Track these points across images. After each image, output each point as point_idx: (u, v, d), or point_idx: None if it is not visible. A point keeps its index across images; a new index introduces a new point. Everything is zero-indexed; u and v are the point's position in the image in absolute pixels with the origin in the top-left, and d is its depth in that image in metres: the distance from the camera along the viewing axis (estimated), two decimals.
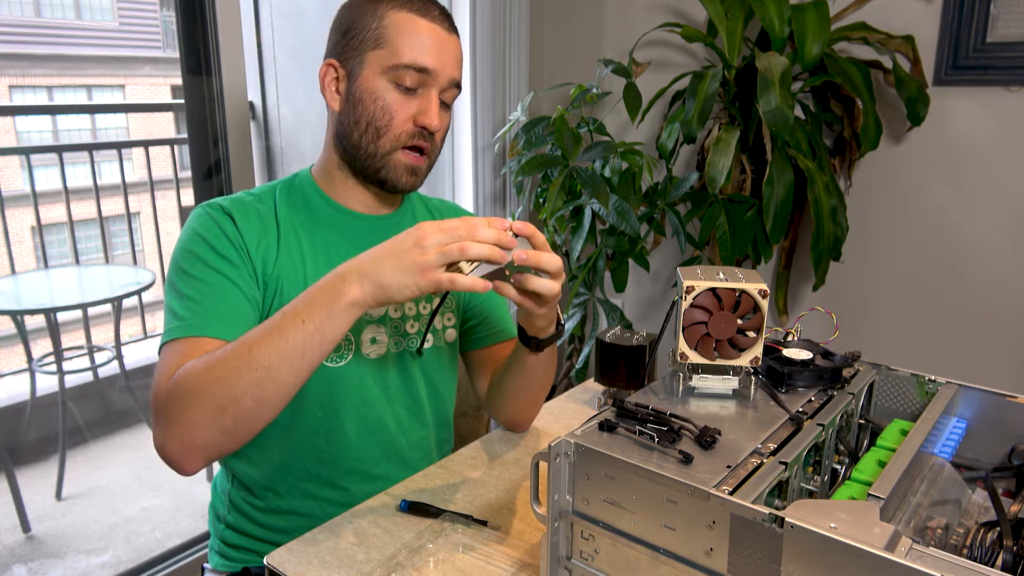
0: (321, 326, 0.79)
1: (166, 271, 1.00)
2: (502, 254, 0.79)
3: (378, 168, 0.98)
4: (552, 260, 0.83)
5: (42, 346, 2.73)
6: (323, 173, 1.04)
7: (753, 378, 0.83)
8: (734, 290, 0.78)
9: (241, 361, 0.79)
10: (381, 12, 0.95)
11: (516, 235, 0.81)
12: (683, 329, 0.79)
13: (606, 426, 0.71)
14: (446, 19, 0.98)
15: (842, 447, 0.80)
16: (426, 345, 1.07)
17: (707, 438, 0.68)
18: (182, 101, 1.66)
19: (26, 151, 2.79)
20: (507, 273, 0.84)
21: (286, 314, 0.81)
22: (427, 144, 0.98)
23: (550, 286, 0.85)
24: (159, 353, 0.89)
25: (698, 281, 0.78)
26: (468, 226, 0.78)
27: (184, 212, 2.95)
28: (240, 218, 0.95)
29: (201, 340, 0.87)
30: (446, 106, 1.01)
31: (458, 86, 1.00)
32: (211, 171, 1.70)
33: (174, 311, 0.89)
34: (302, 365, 0.80)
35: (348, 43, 0.97)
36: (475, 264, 0.79)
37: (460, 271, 0.78)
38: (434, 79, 0.96)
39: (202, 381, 0.80)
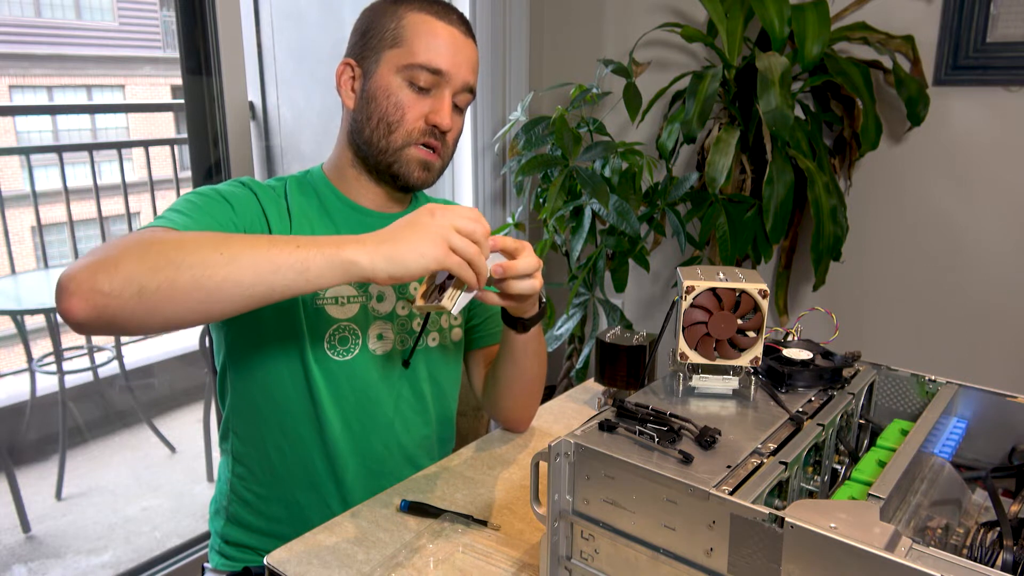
0: (309, 259, 0.73)
1: None
2: (476, 284, 0.80)
3: (390, 163, 0.99)
4: (527, 264, 0.86)
5: (42, 346, 2.73)
6: (335, 170, 1.05)
7: (753, 378, 0.83)
8: (734, 290, 0.78)
9: (213, 241, 0.74)
10: (400, 13, 0.97)
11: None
12: (683, 329, 0.79)
13: (606, 426, 0.71)
14: (464, 24, 1.00)
15: (842, 447, 0.80)
16: (431, 344, 1.08)
17: (707, 438, 0.68)
18: (182, 101, 1.66)
19: (26, 151, 2.79)
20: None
21: (285, 236, 0.77)
22: (438, 143, 0.99)
23: (531, 285, 0.88)
24: None
25: (698, 281, 0.78)
26: (483, 232, 0.79)
27: None
28: (262, 194, 0.97)
29: None
30: (459, 110, 1.02)
31: (472, 91, 1.01)
32: (211, 171, 1.70)
33: (162, 216, 0.87)
34: (265, 279, 0.73)
35: (366, 43, 0.99)
36: (460, 291, 0.81)
37: (444, 299, 0.81)
38: (447, 81, 0.97)
39: (160, 238, 0.74)
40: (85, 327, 0.71)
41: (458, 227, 0.77)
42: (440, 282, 0.85)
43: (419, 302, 0.84)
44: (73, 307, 0.69)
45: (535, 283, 0.88)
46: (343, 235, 0.79)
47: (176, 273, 0.70)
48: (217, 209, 0.91)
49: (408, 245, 0.75)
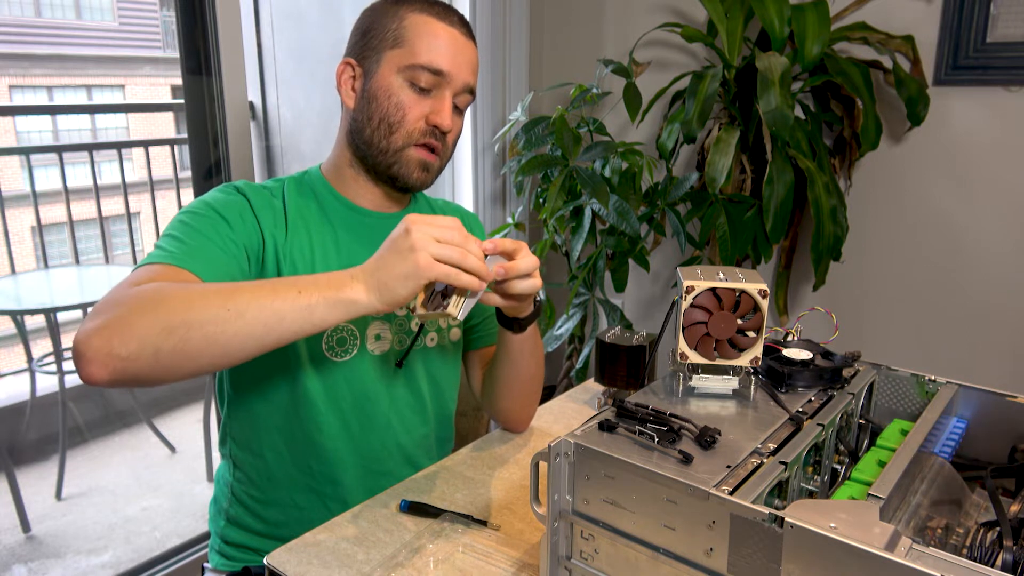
0: (313, 305, 0.76)
1: None
2: (480, 284, 0.80)
3: (390, 164, 0.99)
4: (527, 264, 0.86)
5: (42, 346, 2.73)
6: (333, 170, 1.05)
7: (753, 378, 0.83)
8: (734, 290, 0.78)
9: (219, 297, 0.76)
10: (401, 14, 0.97)
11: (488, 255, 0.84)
12: (683, 329, 0.79)
13: (606, 426, 0.71)
14: (464, 26, 1.00)
15: (842, 447, 0.80)
16: (430, 344, 1.08)
17: (707, 438, 0.68)
18: (182, 101, 1.66)
19: (26, 151, 2.79)
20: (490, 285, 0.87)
21: (285, 281, 0.79)
22: (438, 144, 0.99)
23: (532, 284, 0.88)
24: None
25: (698, 281, 0.78)
26: (462, 235, 0.78)
27: None
28: (254, 198, 0.97)
29: (180, 271, 0.84)
30: (459, 110, 1.02)
31: (472, 92, 1.01)
32: (211, 171, 1.70)
33: (159, 246, 0.88)
34: (274, 330, 0.76)
35: (367, 43, 0.99)
36: (464, 297, 0.81)
37: (450, 306, 0.80)
38: (448, 82, 0.97)
39: (167, 296, 0.75)
40: (106, 387, 0.75)
41: (436, 236, 0.77)
42: (441, 288, 0.85)
43: (420, 310, 0.83)
44: (93, 373, 0.72)
45: (535, 282, 0.88)
46: (337, 272, 0.80)
47: (188, 332, 0.73)
48: (213, 230, 0.90)
49: (391, 272, 0.76)
